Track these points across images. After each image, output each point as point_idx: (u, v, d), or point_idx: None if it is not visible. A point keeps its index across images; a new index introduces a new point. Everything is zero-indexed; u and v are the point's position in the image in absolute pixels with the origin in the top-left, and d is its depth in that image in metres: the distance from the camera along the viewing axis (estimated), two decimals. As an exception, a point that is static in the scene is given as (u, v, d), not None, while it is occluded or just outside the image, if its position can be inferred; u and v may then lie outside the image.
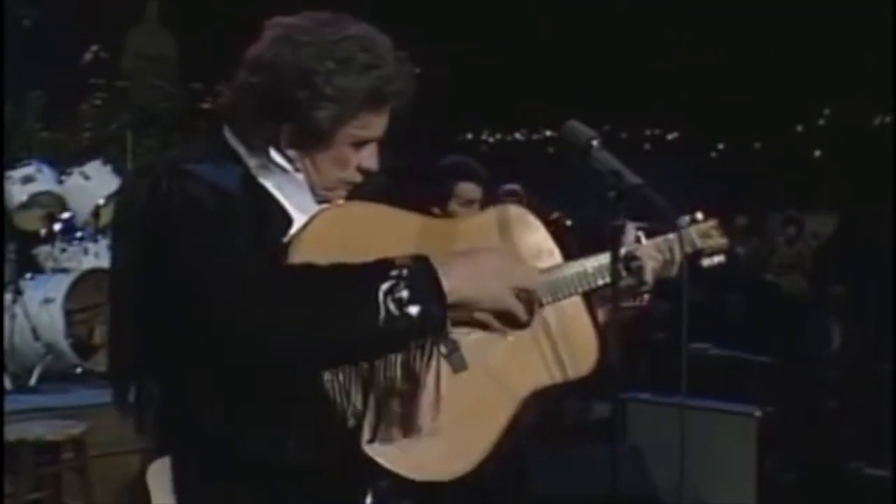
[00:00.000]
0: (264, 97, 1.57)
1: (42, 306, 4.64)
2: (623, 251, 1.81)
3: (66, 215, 4.99)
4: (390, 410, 1.53)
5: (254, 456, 1.53)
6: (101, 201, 5.08)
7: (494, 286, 1.61)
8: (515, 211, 1.79)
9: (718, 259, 2.05)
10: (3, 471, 3.56)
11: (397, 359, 1.50)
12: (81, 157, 5.21)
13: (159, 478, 4.25)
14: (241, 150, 1.62)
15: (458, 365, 1.63)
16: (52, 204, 4.99)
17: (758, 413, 4.09)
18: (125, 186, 1.70)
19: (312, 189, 1.65)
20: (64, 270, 4.90)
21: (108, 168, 5.17)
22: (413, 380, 1.52)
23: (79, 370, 4.72)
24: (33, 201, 4.94)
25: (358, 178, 1.66)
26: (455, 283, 1.54)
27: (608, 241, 1.69)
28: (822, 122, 12.10)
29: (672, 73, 10.15)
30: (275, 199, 1.60)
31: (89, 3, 6.42)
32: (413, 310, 1.47)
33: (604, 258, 1.78)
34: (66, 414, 4.03)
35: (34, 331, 4.61)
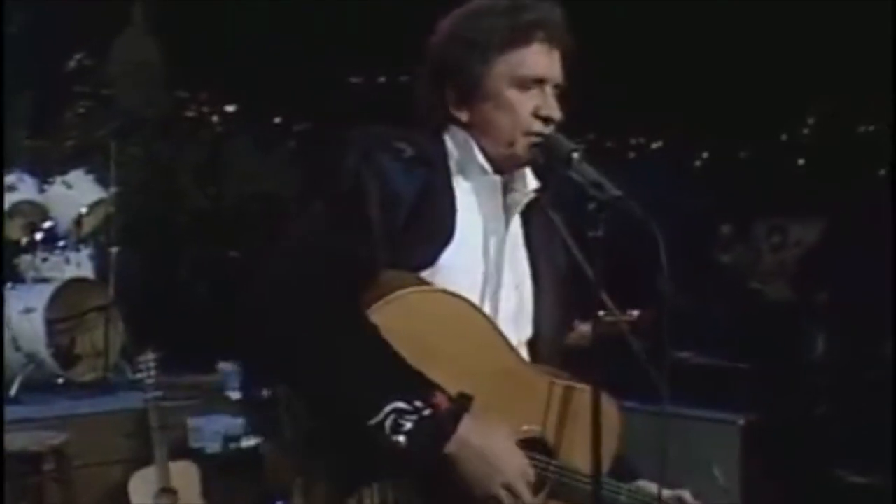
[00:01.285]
0: (429, 73, 1.67)
1: (23, 316, 4.61)
2: None
3: (47, 224, 4.96)
4: None
5: None
6: (84, 210, 5.05)
7: (482, 482, 1.55)
8: (607, 400, 1.70)
9: None
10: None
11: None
12: (64, 166, 5.18)
13: (141, 488, 4.22)
14: (450, 146, 1.68)
15: None
16: (34, 213, 4.97)
17: (741, 421, 4.09)
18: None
19: (496, 151, 1.65)
20: (45, 280, 4.87)
21: (91, 177, 5.15)
22: None
23: (60, 380, 4.69)
24: (14, 210, 4.91)
25: (538, 126, 1.65)
26: (451, 450, 1.51)
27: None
28: (806, 131, 12.16)
29: (657, 81, 10.17)
30: (448, 211, 1.62)
31: (73, 10, 6.39)
32: (401, 439, 1.47)
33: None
34: (48, 425, 4.01)
35: (15, 341, 4.58)
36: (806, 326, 6.83)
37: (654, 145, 12.40)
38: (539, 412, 1.69)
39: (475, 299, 1.67)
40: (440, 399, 1.52)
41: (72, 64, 5.67)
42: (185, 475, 3.99)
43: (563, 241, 1.75)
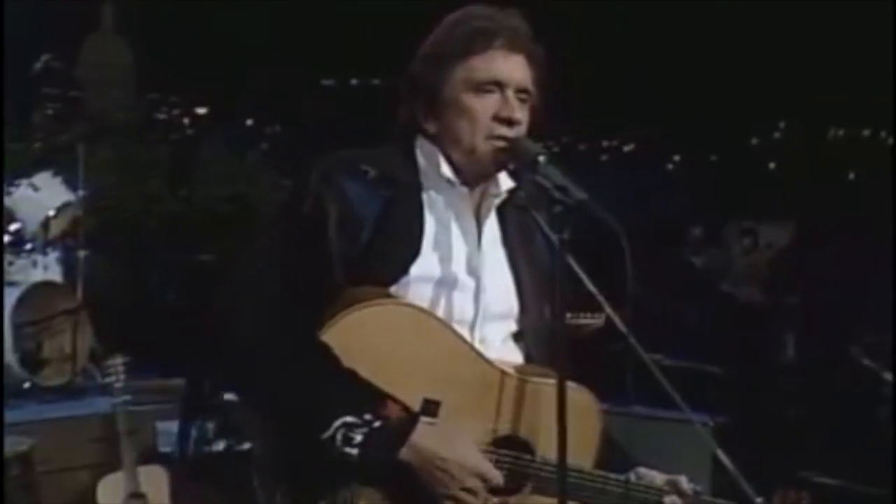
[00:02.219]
0: (405, 91, 1.75)
1: (-11, 320, 4.54)
2: None
3: (14, 227, 4.90)
4: None
5: None
6: (52, 213, 4.99)
7: (439, 486, 1.59)
8: (578, 391, 1.74)
9: None
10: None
11: None
12: (32, 168, 5.12)
13: (109, 493, 4.17)
14: (420, 159, 1.74)
15: None
16: (-2, 215, 4.90)
17: (711, 423, 4.11)
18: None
19: (463, 159, 1.71)
20: (12, 283, 4.80)
21: (59, 179, 5.09)
22: None
23: (27, 385, 4.64)
24: (-21, 213, 4.84)
25: (501, 129, 1.70)
26: (407, 458, 1.55)
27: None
28: (777, 135, 12.28)
29: (630, 85, 10.24)
30: (416, 225, 1.68)
31: (41, 10, 6.33)
32: (353, 452, 1.52)
33: None
34: (14, 430, 3.95)
35: (-20, 345, 4.51)
36: (776, 328, 6.89)
37: (627, 148, 12.48)
38: (511, 411, 1.70)
39: (454, 307, 1.72)
40: (391, 409, 1.56)
41: (38, 66, 5.60)
42: (153, 480, 3.96)
43: (543, 237, 1.78)
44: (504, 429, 1.70)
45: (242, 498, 1.70)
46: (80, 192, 5.04)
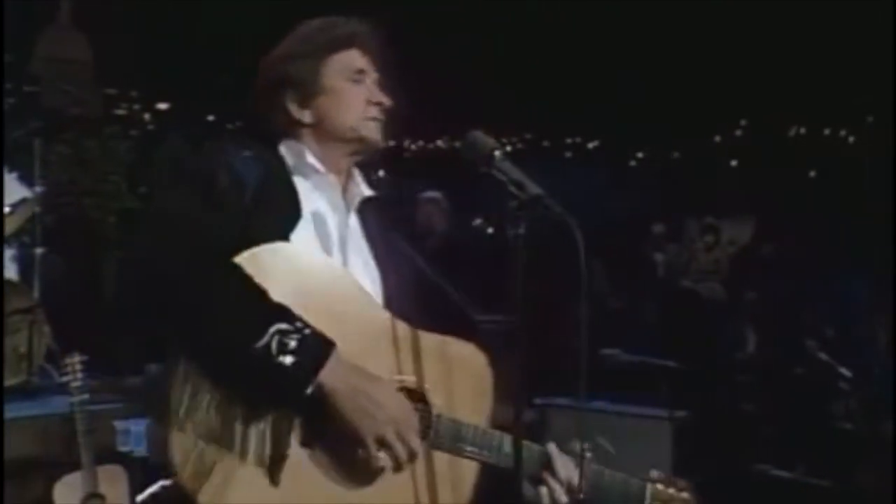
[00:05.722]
0: (267, 87, 1.93)
1: (-57, 319, 4.46)
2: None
3: (-34, 224, 4.81)
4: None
5: None
6: (7, 209, 4.91)
7: (367, 421, 1.63)
8: (473, 353, 1.80)
9: None
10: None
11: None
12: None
13: (67, 494, 4.10)
14: (285, 155, 1.89)
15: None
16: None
17: (668, 417, 4.15)
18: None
19: (332, 145, 1.90)
20: (-34, 281, 4.72)
21: (15, 175, 5.01)
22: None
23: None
24: (-67, 210, 4.75)
25: (373, 111, 1.91)
26: (336, 385, 1.61)
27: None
28: (739, 132, 12.40)
29: (593, 82, 10.28)
30: (292, 194, 1.82)
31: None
32: (287, 360, 1.56)
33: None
34: (-33, 431, 3.89)
35: (-66, 344, 4.43)
36: (736, 324, 6.96)
37: (591, 145, 12.54)
38: (408, 362, 1.75)
39: None
40: (314, 329, 1.61)
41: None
42: (112, 479, 3.90)
43: (398, 242, 1.98)
44: (409, 381, 1.75)
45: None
46: (37, 189, 4.97)
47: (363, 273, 1.89)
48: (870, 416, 4.55)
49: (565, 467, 1.85)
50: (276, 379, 1.57)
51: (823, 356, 4.80)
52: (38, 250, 4.96)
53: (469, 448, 1.76)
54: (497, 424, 1.81)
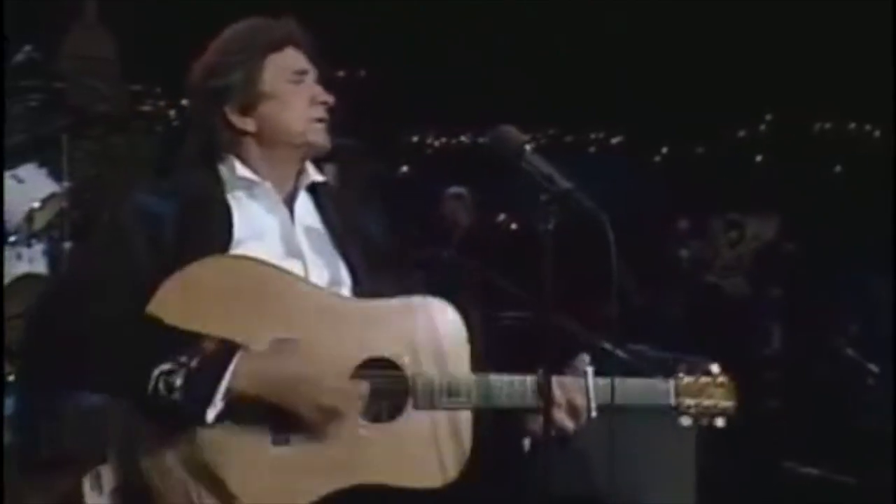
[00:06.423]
0: (202, 102, 1.92)
1: (-27, 313, 4.51)
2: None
3: (-4, 219, 4.86)
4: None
5: None
6: (37, 205, 4.96)
7: (292, 396, 1.66)
8: (439, 305, 1.81)
9: (718, 420, 1.91)
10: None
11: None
12: (15, 160, 5.09)
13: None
14: (222, 173, 1.89)
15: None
16: (-19, 208, 4.86)
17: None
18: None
19: (275, 151, 1.88)
20: (-4, 276, 4.77)
21: (44, 171, 5.06)
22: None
23: (11, 378, 4.60)
24: (-37, 205, 4.80)
25: (319, 111, 1.89)
26: (246, 383, 1.63)
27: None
28: (763, 127, 12.31)
29: (617, 76, 10.24)
30: (224, 218, 1.81)
31: (23, 2, 6.28)
32: (177, 397, 1.61)
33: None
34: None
35: (-35, 338, 4.47)
36: (761, 321, 6.92)
37: (614, 140, 12.48)
38: (370, 335, 1.77)
39: None
40: (208, 347, 1.64)
41: (20, 57, 5.56)
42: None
43: (367, 216, 2.00)
44: (366, 353, 1.76)
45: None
46: (65, 184, 5.01)
47: (320, 262, 1.89)
48: (897, 413, 4.51)
49: (561, 388, 1.80)
50: (176, 416, 1.63)
51: (851, 352, 4.76)
52: (67, 245, 5.01)
53: (459, 400, 1.75)
54: (481, 368, 1.81)
